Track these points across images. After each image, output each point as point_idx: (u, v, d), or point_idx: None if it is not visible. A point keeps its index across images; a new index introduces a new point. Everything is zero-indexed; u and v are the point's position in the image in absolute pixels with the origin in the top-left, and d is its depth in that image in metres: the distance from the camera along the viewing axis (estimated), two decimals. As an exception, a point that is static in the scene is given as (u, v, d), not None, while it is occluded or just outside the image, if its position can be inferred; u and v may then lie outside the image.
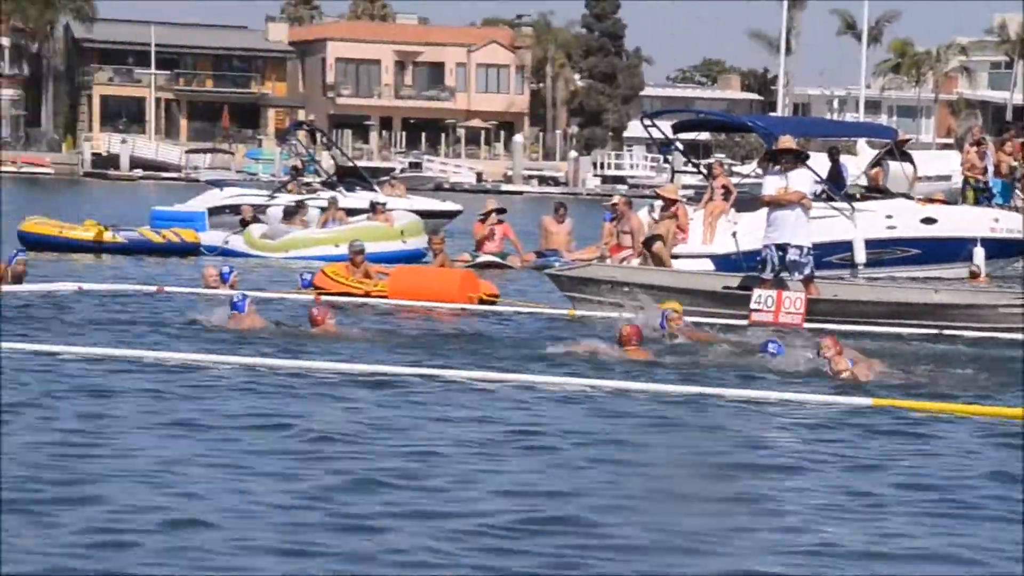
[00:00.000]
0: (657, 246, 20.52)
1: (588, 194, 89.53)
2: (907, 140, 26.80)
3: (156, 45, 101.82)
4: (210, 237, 28.85)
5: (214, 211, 31.88)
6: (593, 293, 18.97)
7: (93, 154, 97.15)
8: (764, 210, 19.24)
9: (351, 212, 31.00)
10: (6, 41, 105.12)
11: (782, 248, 18.41)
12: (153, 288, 19.93)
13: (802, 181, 18.59)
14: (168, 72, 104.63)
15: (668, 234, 21.07)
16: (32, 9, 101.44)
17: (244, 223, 29.42)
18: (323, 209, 30.74)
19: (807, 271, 18.45)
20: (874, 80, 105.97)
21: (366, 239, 22.95)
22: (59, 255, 26.50)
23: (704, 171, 25.04)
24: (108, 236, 27.91)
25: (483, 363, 13.84)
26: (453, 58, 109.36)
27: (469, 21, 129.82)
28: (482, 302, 19.56)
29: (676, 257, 20.91)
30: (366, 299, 19.82)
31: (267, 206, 31.21)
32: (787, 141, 18.89)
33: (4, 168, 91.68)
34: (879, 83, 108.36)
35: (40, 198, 58.65)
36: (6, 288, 19.02)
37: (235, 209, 31.11)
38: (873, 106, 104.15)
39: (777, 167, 18.85)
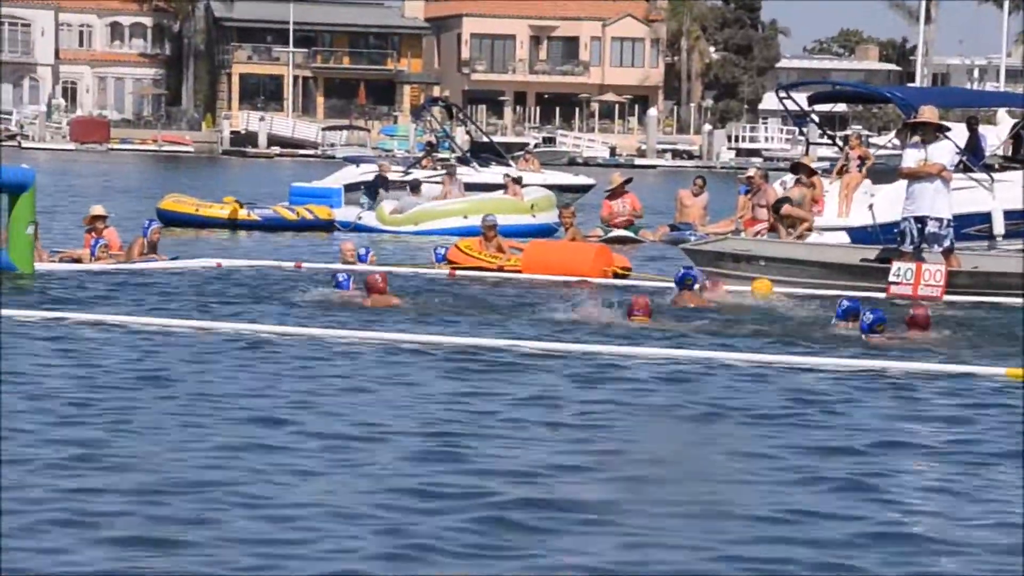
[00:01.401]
0: (785, 208, 20.35)
1: (722, 167, 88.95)
2: None
3: (294, 23, 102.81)
4: (344, 213, 29.16)
5: (350, 187, 32.23)
6: (729, 267, 18.86)
7: (232, 132, 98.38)
8: (901, 182, 18.99)
9: (487, 187, 31.12)
10: (148, 21, 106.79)
11: (921, 220, 18.17)
12: (292, 264, 20.18)
13: (942, 153, 18.33)
14: (305, 50, 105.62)
15: (805, 202, 20.86)
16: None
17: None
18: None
19: (947, 243, 18.21)
20: (1016, 48, 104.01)
21: (496, 212, 22.98)
22: (197, 232, 26.94)
23: (840, 143, 24.78)
24: (243, 213, 28.32)
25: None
26: (588, 32, 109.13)
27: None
28: (616, 276, 19.55)
29: (810, 230, 20.71)
30: (500, 273, 19.89)
31: (403, 182, 31.48)
32: (929, 113, 18.61)
33: (145, 146, 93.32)
34: (1021, 51, 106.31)
35: (180, 176, 59.56)
36: (144, 264, 19.37)
37: (369, 184, 31.53)
38: (1014, 75, 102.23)
39: (916, 138, 18.60)
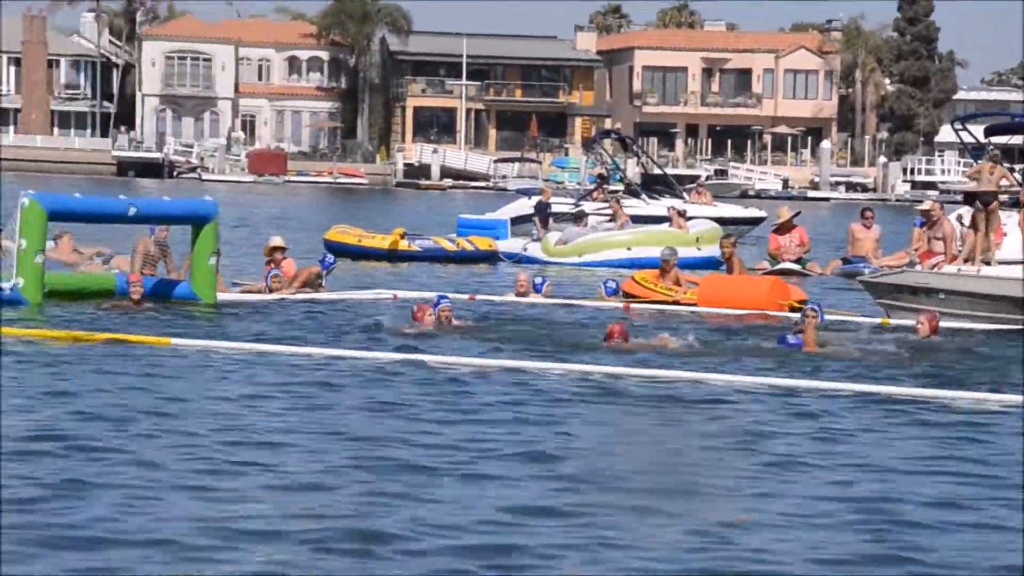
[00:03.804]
0: (994, 205, 19.89)
1: (897, 200, 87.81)
2: None
3: (467, 56, 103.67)
4: (509, 245, 29.29)
5: (518, 220, 32.38)
6: (906, 300, 18.60)
7: (405, 164, 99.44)
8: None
9: (656, 220, 31.09)
10: (325, 55, 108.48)
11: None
12: (466, 296, 20.36)
13: None
14: (478, 83, 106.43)
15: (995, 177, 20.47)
16: (351, 24, 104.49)
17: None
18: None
19: None
20: None
21: (659, 244, 22.91)
22: (358, 263, 27.34)
23: (1019, 177, 24.33)
24: (403, 244, 28.62)
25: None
26: (761, 64, 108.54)
27: (778, 26, 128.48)
28: (792, 310, 19.39)
29: (988, 263, 20.37)
30: (675, 306, 19.86)
31: (568, 213, 31.63)
32: None
33: (320, 178, 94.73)
34: None
35: (353, 208, 60.31)
36: (325, 295, 19.69)
37: (535, 213, 31.85)
38: None
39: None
